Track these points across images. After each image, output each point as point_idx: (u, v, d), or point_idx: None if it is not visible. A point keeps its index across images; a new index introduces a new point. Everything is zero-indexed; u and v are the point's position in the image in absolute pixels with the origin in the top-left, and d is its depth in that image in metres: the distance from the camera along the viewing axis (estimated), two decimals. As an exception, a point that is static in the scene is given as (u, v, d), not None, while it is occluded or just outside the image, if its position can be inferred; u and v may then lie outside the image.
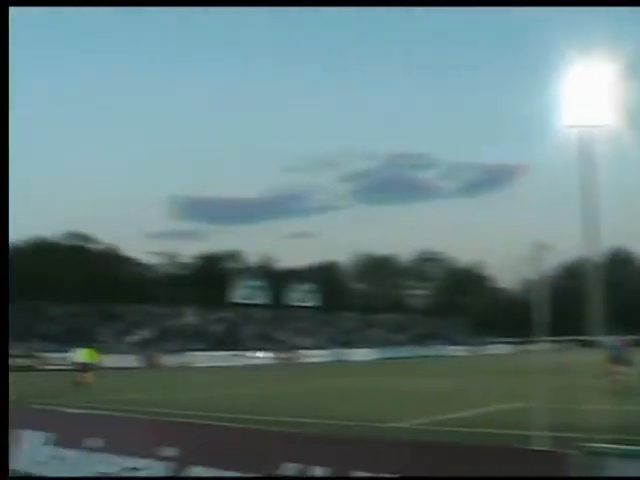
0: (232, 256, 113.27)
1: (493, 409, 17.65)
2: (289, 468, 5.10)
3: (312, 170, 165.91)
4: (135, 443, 5.81)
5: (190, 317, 69.79)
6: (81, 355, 27.12)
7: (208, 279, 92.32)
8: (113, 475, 6.01)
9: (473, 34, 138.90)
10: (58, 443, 6.25)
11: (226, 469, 5.40)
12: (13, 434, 6.67)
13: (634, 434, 10.67)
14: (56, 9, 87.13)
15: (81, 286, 72.99)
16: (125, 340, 58.61)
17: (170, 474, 5.54)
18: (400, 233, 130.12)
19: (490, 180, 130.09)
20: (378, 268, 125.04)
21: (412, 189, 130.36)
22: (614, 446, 5.51)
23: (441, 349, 79.59)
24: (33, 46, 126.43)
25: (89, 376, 26.32)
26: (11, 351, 47.77)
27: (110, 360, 47.26)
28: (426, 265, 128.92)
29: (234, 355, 58.18)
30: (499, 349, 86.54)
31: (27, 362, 45.81)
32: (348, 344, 72.87)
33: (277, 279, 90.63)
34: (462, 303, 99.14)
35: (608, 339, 26.97)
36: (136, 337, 59.67)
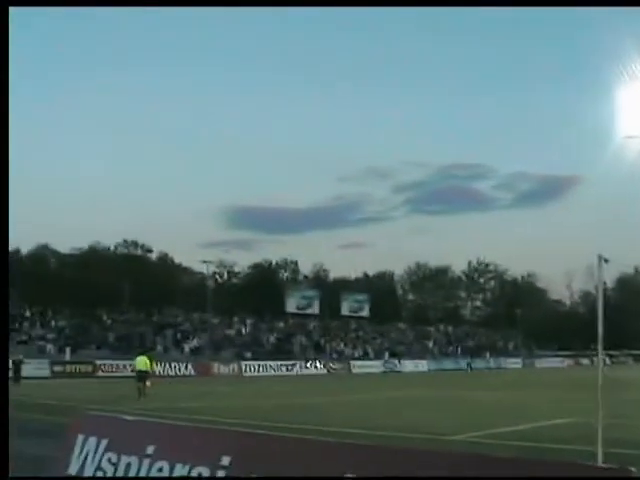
0: (286, 266, 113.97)
1: (549, 423, 17.39)
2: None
3: (367, 180, 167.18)
4: (192, 450, 5.92)
5: (243, 326, 70.29)
6: (140, 362, 27.60)
7: (262, 288, 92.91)
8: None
9: (530, 41, 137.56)
10: (117, 450, 6.39)
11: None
12: (70, 439, 6.84)
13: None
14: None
15: (136, 294, 74.21)
16: (179, 348, 59.29)
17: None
18: (454, 243, 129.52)
19: (546, 190, 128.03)
20: (432, 279, 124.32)
21: (466, 199, 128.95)
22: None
23: (495, 361, 78.71)
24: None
25: (147, 383, 26.74)
26: (71, 358, 48.95)
27: (164, 368, 48.07)
28: (480, 276, 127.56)
29: (287, 365, 58.47)
30: (553, 362, 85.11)
31: (88, 368, 46.65)
32: (401, 355, 72.45)
33: (330, 289, 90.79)
34: (516, 315, 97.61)
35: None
36: (190, 345, 60.31)
